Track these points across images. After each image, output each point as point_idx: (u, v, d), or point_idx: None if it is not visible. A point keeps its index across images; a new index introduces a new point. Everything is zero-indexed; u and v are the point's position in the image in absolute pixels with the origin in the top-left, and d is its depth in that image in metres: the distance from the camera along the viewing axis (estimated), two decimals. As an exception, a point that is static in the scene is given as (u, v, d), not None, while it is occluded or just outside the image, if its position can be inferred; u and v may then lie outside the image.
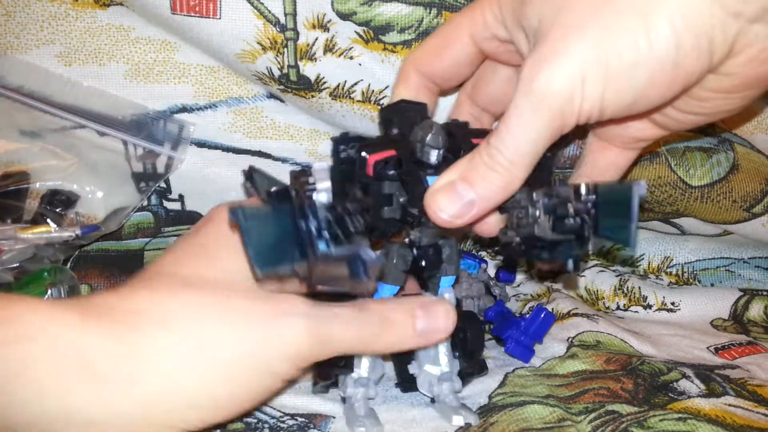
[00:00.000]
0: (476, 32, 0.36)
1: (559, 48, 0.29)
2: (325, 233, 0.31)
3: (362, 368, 0.37)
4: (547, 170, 0.36)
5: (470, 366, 0.39)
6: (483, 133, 0.35)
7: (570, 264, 0.33)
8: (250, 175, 0.36)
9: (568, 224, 0.32)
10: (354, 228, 0.32)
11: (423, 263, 0.37)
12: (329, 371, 0.37)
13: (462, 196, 0.32)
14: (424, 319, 0.33)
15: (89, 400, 0.28)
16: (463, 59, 0.38)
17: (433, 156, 0.34)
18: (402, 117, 0.36)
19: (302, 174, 0.35)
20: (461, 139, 0.36)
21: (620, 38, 0.28)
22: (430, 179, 0.34)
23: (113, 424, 0.29)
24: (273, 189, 0.34)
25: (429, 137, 0.34)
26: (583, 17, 0.29)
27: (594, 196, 0.31)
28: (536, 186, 0.33)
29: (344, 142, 0.35)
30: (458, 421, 0.35)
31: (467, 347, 0.38)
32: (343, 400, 0.37)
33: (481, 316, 0.48)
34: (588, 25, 0.29)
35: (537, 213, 0.33)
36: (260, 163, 0.51)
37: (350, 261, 0.31)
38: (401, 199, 0.35)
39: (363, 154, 0.34)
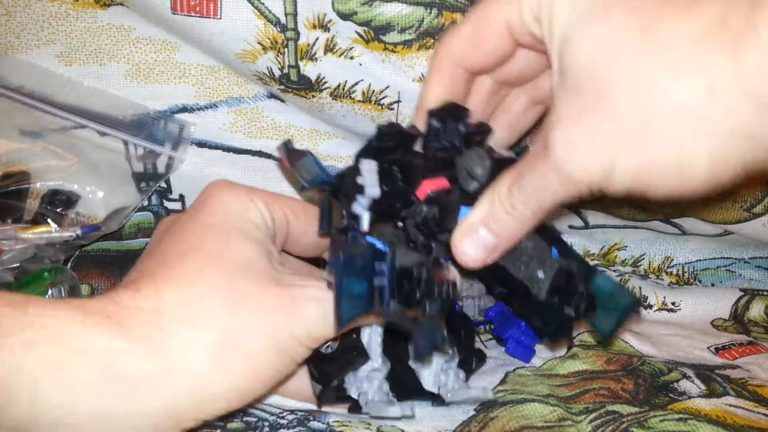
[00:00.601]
0: (513, 25, 0.34)
1: (596, 139, 0.28)
2: (395, 292, 0.31)
3: (374, 358, 0.37)
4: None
5: (469, 354, 0.40)
6: (508, 162, 0.35)
7: (551, 330, 0.36)
8: (298, 153, 0.35)
9: (567, 304, 0.34)
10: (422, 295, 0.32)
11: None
12: (333, 373, 0.37)
13: (485, 242, 0.33)
14: None
15: (116, 401, 0.28)
16: (500, 50, 0.36)
17: (473, 186, 0.36)
18: (450, 128, 0.37)
19: (353, 175, 0.34)
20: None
21: (655, 156, 0.27)
22: (463, 209, 0.35)
23: (135, 422, 0.29)
24: (342, 224, 0.34)
25: (478, 171, 0.35)
26: (624, 120, 0.28)
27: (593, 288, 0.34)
28: (543, 232, 0.35)
29: (390, 135, 0.36)
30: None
31: (460, 337, 0.40)
32: (351, 405, 0.37)
33: (481, 317, 0.48)
34: (630, 129, 0.27)
35: (540, 274, 0.35)
36: (261, 164, 0.51)
37: (416, 332, 0.32)
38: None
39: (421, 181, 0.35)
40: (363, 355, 0.36)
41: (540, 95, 0.39)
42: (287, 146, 0.37)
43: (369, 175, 0.34)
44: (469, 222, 0.33)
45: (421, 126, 0.37)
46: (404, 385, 0.38)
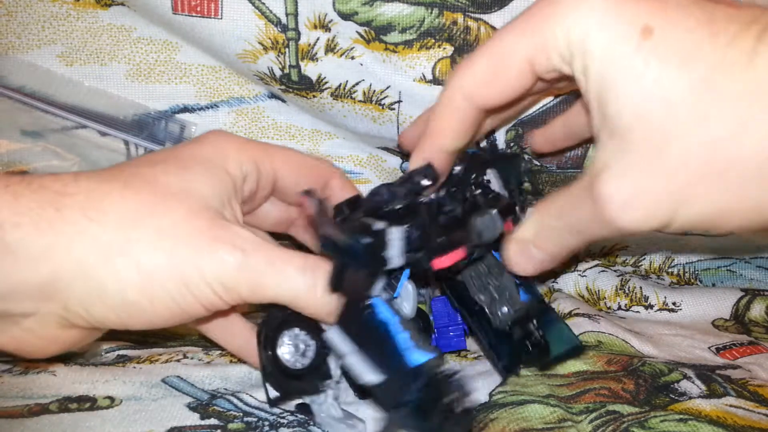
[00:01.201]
0: (537, 63, 0.30)
1: (656, 196, 0.27)
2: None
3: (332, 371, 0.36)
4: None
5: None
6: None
7: (503, 365, 0.38)
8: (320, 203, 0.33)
9: (523, 345, 0.38)
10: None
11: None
12: (293, 392, 0.37)
13: (535, 257, 0.34)
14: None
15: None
16: (520, 88, 0.32)
17: (479, 252, 0.37)
18: (467, 182, 0.38)
19: (373, 235, 0.33)
20: None
21: (734, 204, 0.27)
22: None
23: (17, 296, 0.29)
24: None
25: (487, 235, 0.36)
26: (695, 170, 0.27)
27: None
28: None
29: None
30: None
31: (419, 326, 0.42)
32: (302, 409, 0.37)
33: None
34: (699, 184, 0.27)
35: (505, 310, 0.37)
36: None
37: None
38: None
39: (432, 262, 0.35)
40: (327, 377, 0.36)
41: (575, 132, 0.40)
42: (319, 203, 0.32)
43: (396, 246, 0.33)
44: (520, 236, 0.34)
45: (439, 163, 0.36)
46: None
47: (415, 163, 0.37)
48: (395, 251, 0.33)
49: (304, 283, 0.32)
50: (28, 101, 0.48)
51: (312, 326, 0.35)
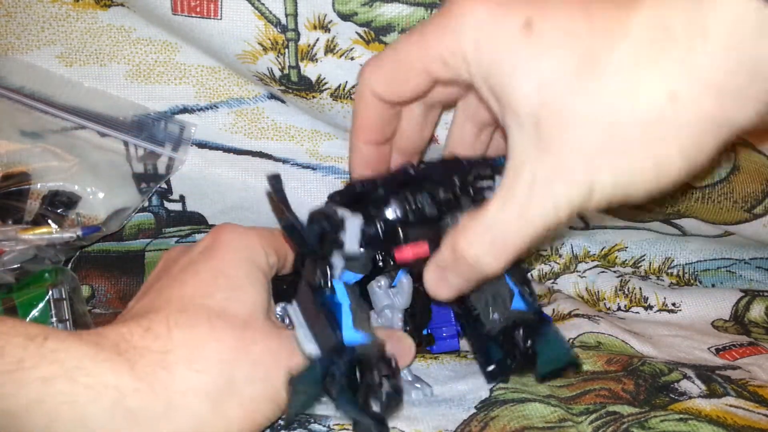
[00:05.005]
0: (433, 69, 0.33)
1: (570, 170, 0.29)
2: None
3: None
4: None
5: (419, 339, 0.42)
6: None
7: (489, 370, 0.39)
8: (279, 187, 0.35)
9: (512, 350, 0.37)
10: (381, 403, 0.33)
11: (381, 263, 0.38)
12: None
13: (451, 283, 0.35)
14: (391, 351, 0.37)
15: None
16: (420, 89, 0.35)
17: None
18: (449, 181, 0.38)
19: (330, 221, 0.35)
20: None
21: (630, 165, 0.28)
22: None
23: None
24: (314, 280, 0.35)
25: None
26: (593, 138, 0.28)
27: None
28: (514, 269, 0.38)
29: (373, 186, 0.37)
30: (417, 395, 0.39)
31: (416, 321, 0.42)
32: None
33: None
34: (599, 148, 0.28)
35: (497, 317, 0.38)
36: (261, 164, 0.51)
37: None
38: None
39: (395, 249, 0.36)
40: None
41: (483, 120, 0.40)
42: (274, 181, 0.35)
43: (352, 233, 0.35)
44: (434, 264, 0.35)
45: (370, 156, 0.39)
46: None
47: (352, 158, 0.40)
48: (351, 238, 0.35)
49: None
50: (28, 102, 0.48)
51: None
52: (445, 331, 0.44)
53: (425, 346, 0.44)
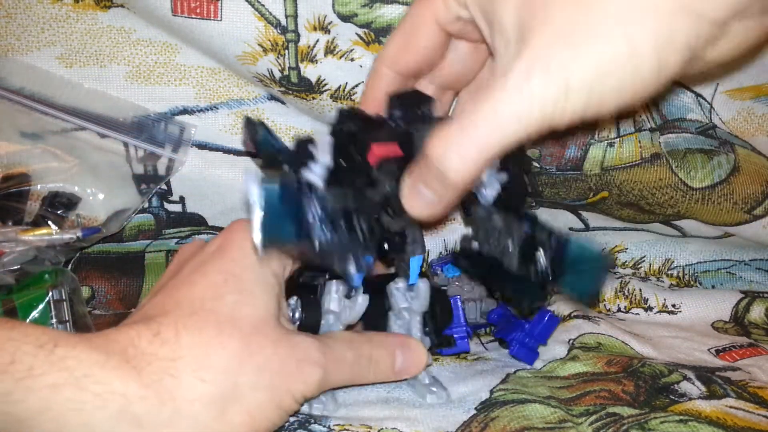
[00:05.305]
0: (440, 16, 0.37)
1: (549, 60, 0.29)
2: (325, 224, 0.33)
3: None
4: (522, 189, 0.40)
5: (439, 340, 0.42)
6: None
7: (525, 308, 0.39)
8: (253, 127, 0.37)
9: (535, 269, 0.36)
10: (357, 228, 0.33)
11: (387, 247, 0.38)
12: None
13: (423, 195, 0.34)
14: (402, 358, 0.39)
15: None
16: (432, 46, 0.38)
17: None
18: (410, 110, 0.38)
19: (306, 143, 0.36)
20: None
21: (604, 49, 0.29)
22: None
23: None
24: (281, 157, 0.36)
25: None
26: (568, 27, 0.29)
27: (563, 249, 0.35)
28: (512, 204, 0.37)
29: (351, 118, 0.38)
30: (432, 399, 0.39)
31: (436, 323, 0.42)
32: None
33: (483, 319, 0.48)
34: (573, 34, 0.29)
35: (509, 246, 0.36)
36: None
37: (343, 258, 0.33)
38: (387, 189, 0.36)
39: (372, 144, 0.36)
40: None
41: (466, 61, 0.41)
42: (247, 121, 0.38)
43: (323, 145, 0.36)
44: (411, 180, 0.34)
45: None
46: None
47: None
48: (323, 149, 0.36)
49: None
50: (28, 103, 0.48)
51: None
52: (456, 333, 0.44)
53: (445, 347, 0.44)
